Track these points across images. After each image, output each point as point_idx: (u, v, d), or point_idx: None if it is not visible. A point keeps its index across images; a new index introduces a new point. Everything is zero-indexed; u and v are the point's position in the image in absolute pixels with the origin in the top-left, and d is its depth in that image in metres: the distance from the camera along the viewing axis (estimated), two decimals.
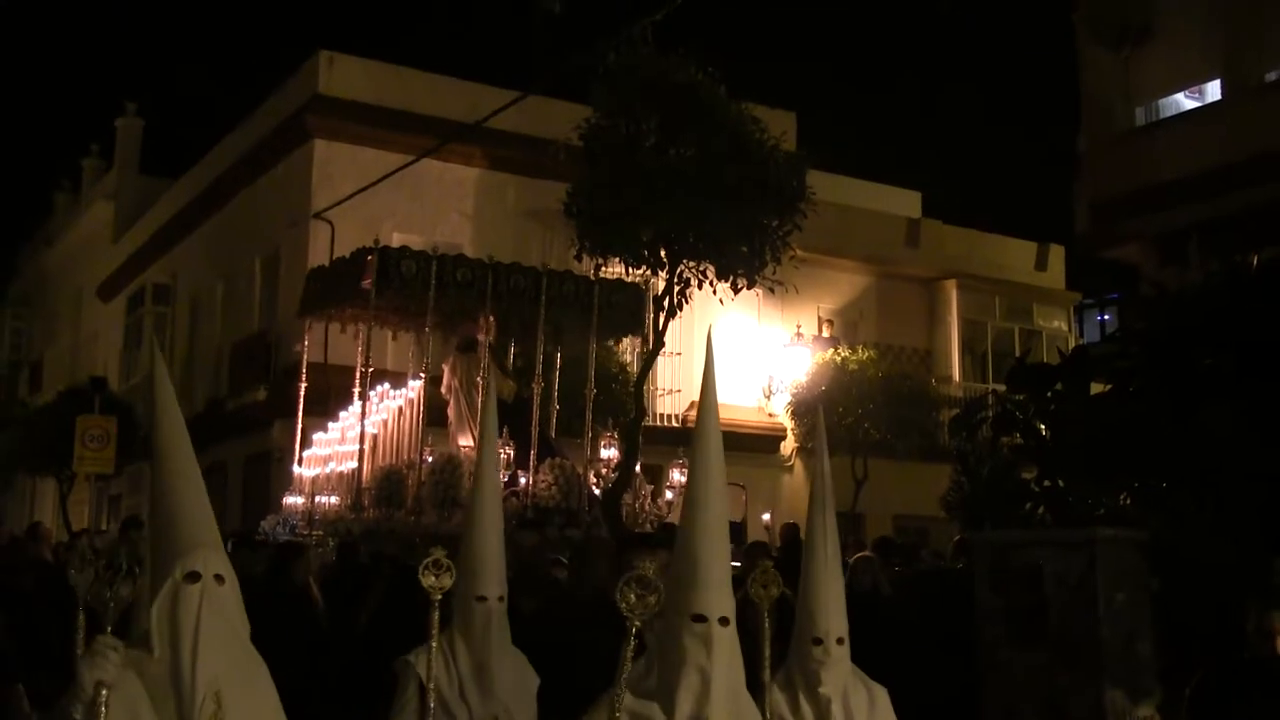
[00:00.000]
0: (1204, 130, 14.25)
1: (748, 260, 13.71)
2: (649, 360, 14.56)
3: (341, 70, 18.82)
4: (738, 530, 15.05)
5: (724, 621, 3.17)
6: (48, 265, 35.42)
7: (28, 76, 76.49)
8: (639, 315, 13.87)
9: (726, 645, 3.18)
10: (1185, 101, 15.20)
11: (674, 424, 19.50)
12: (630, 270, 14.19)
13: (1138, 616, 5.76)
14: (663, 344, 14.44)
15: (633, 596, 3.05)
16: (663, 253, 13.62)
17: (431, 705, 3.69)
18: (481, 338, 12.47)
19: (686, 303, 14.14)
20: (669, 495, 13.62)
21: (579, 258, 14.00)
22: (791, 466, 21.47)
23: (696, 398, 17.09)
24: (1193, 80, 14.98)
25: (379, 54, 19.49)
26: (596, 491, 12.76)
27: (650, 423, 16.32)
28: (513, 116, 14.86)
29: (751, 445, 20.15)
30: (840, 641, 3.59)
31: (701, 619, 3.16)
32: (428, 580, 3.58)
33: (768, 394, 21.14)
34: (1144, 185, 14.36)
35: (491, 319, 12.41)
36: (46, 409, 23.63)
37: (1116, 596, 5.74)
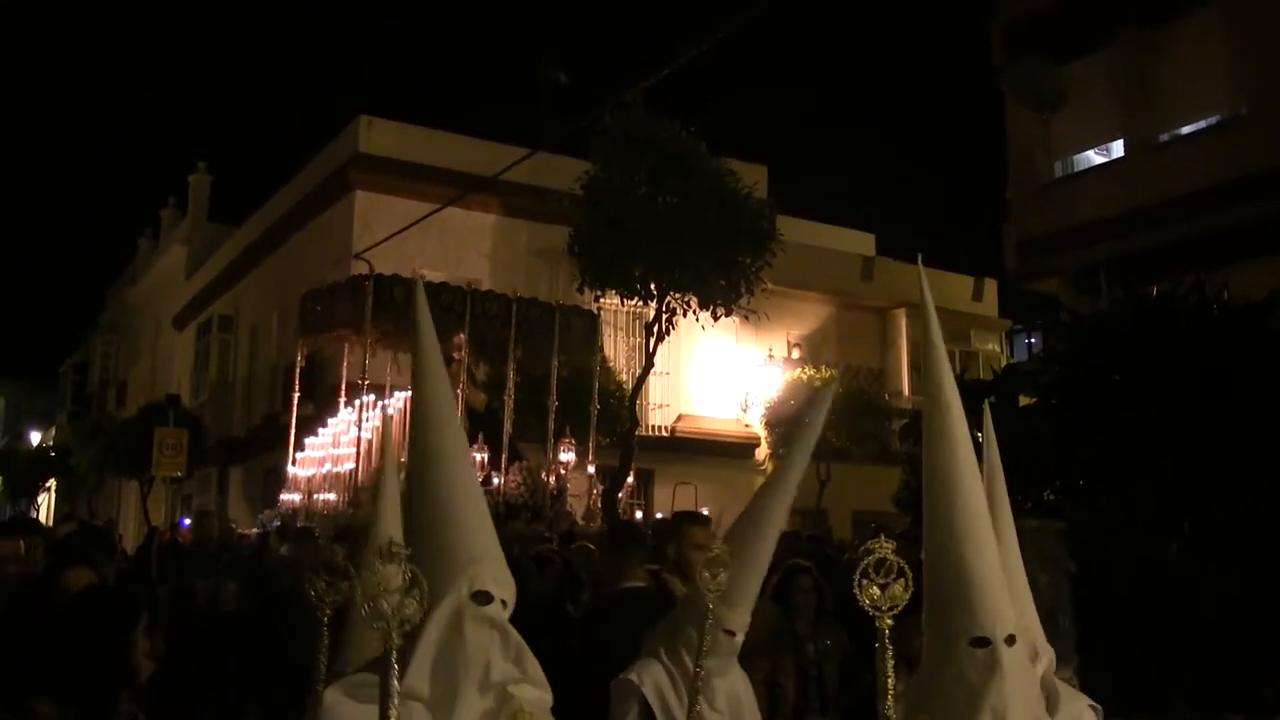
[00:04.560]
0: (1111, 182, 14.28)
1: (725, 292, 13.70)
2: (640, 378, 14.54)
3: (378, 132, 18.82)
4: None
5: (1010, 640, 2.25)
6: (132, 300, 35.38)
7: (117, 146, 76.72)
8: (593, 338, 13.63)
9: (1019, 667, 2.27)
10: (1095, 157, 15.23)
11: (664, 434, 19.42)
12: (624, 301, 14.15)
13: (1058, 595, 5.70)
14: (653, 364, 14.40)
15: (875, 590, 2.05)
16: (652, 286, 13.61)
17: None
18: (456, 355, 12.20)
19: (673, 328, 14.11)
20: (620, 495, 13.43)
21: (580, 290, 13.97)
22: (765, 470, 21.32)
23: (684, 411, 16.98)
24: (1101, 140, 15.02)
25: (411, 117, 19.53)
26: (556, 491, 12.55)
27: (643, 433, 16.25)
28: (524, 170, 14.85)
29: (730, 451, 20.07)
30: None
31: (983, 642, 2.23)
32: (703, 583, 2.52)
33: (744, 407, 21.06)
34: (1062, 228, 14.37)
35: (464, 338, 12.15)
36: (130, 422, 23.59)
37: (1040, 578, 5.66)
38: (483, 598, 2.09)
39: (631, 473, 13.65)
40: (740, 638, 2.85)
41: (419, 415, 2.33)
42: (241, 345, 24.55)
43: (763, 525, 2.89)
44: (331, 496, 12.22)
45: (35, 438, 39.42)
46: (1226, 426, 5.64)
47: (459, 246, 18.56)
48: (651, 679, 2.80)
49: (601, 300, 14.37)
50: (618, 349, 19.58)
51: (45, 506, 33.93)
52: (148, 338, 32.69)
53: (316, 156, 20.69)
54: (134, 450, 20.93)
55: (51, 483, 32.99)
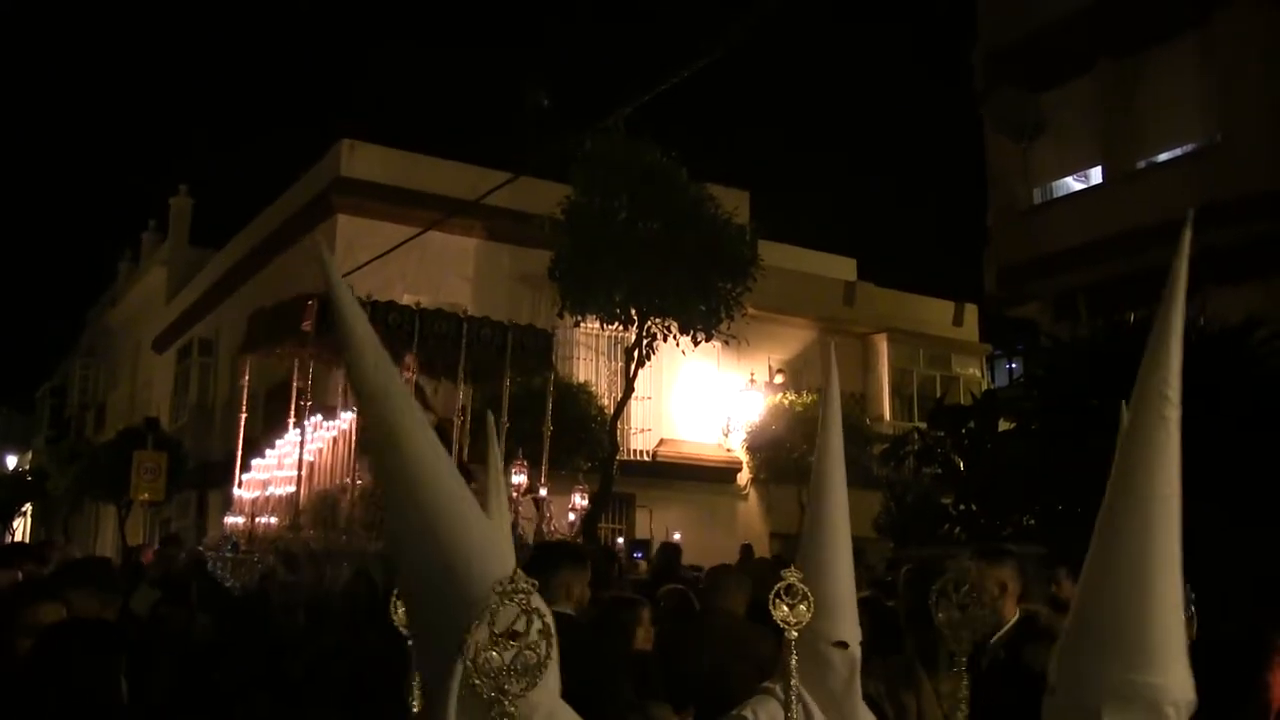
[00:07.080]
0: (1089, 208, 14.35)
1: (706, 317, 13.67)
2: (621, 403, 14.46)
3: (360, 156, 18.78)
4: (644, 546, 14.49)
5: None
6: (112, 322, 35.15)
7: (99, 168, 76.54)
8: (546, 357, 13.02)
9: None
10: (1073, 184, 15.31)
11: (645, 459, 19.33)
12: (605, 325, 14.08)
13: None
14: (633, 389, 14.34)
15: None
16: (633, 310, 13.57)
17: None
18: (407, 375, 11.69)
19: (654, 353, 14.05)
20: (571, 517, 13.19)
21: (561, 315, 13.91)
22: (747, 495, 21.27)
23: (666, 435, 16.75)
24: (1079, 167, 15.11)
25: (393, 141, 19.49)
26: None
27: (624, 457, 16.17)
28: (506, 194, 14.73)
29: (712, 476, 20.01)
30: None
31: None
32: (779, 613, 2.20)
33: (726, 432, 21.00)
34: (1041, 254, 14.43)
35: (414, 357, 11.72)
36: (109, 445, 23.38)
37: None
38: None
39: (583, 494, 13.40)
40: (856, 649, 2.53)
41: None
42: (222, 369, 24.36)
43: (825, 522, 2.67)
44: (274, 520, 11.79)
45: (12, 461, 39.05)
46: (1205, 450, 5.62)
47: (441, 270, 18.49)
48: (768, 715, 2.57)
49: (583, 325, 14.25)
50: (599, 373, 19.52)
51: (21, 531, 33.53)
52: (127, 361, 32.45)
53: (298, 180, 20.62)
54: (112, 474, 20.72)
55: (28, 507, 32.64)
